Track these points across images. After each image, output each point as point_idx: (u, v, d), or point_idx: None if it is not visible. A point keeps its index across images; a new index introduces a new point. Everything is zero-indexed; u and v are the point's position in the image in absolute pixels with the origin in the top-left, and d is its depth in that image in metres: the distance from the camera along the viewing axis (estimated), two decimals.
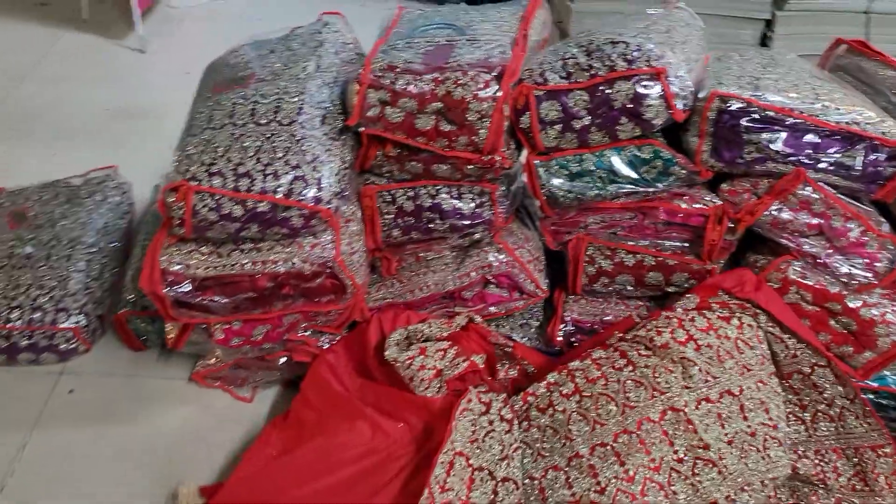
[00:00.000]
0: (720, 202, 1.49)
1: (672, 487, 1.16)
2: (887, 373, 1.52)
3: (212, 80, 1.66)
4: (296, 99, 1.49)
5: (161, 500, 1.47)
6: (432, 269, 1.63)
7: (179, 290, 1.40)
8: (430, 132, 1.45)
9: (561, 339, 1.60)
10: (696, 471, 1.18)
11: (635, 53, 1.42)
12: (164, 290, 1.39)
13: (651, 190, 1.49)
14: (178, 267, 1.40)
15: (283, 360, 1.64)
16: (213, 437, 1.61)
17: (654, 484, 1.15)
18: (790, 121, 1.38)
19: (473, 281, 1.58)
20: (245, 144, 1.40)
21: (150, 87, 2.92)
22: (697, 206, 1.49)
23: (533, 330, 1.67)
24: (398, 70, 1.45)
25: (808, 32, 2.54)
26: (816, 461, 1.36)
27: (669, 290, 1.56)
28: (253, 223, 1.38)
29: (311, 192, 1.37)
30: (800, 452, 1.37)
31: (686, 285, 1.54)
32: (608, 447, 1.20)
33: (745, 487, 1.17)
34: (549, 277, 1.73)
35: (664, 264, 1.53)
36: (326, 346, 1.60)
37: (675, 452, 1.19)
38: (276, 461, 1.36)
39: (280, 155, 1.39)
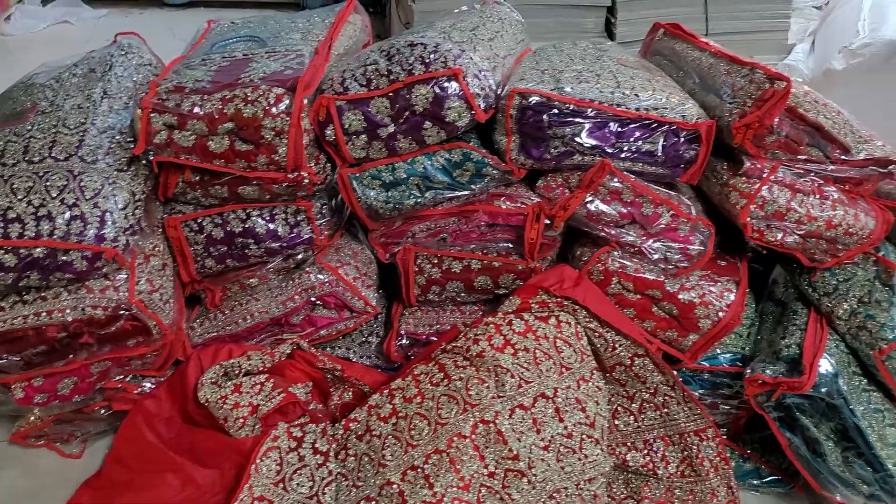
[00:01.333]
0: (537, 199, 1.46)
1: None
2: (719, 352, 1.52)
3: None
4: (75, 130, 1.37)
5: None
6: (255, 297, 1.54)
7: None
8: (226, 154, 1.37)
9: (398, 353, 1.54)
10: (506, 483, 1.14)
11: (432, 55, 1.37)
12: None
13: (468, 193, 1.45)
14: None
15: (103, 410, 1.52)
16: (46, 498, 1.47)
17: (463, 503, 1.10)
18: (590, 112, 1.36)
19: (299, 305, 1.50)
20: (14, 186, 1.28)
21: None
22: (516, 205, 1.46)
23: (373, 347, 1.61)
24: (186, 91, 1.36)
25: (649, 16, 2.57)
26: (645, 452, 1.35)
27: (500, 292, 1.52)
28: (31, 271, 1.26)
29: (92, 231, 1.26)
30: (629, 444, 1.36)
31: (514, 286, 1.50)
32: (418, 470, 1.15)
33: (555, 495, 1.13)
34: (388, 291, 1.67)
35: (490, 267, 1.50)
36: (150, 388, 1.50)
37: (486, 467, 1.14)
38: None
39: (54, 194, 1.27)
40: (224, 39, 1.61)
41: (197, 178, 1.42)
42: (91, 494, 1.34)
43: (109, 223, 1.29)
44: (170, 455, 1.30)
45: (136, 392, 1.49)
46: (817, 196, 1.40)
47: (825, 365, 1.36)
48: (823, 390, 1.34)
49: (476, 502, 1.11)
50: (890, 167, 1.43)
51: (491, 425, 1.18)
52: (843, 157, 1.40)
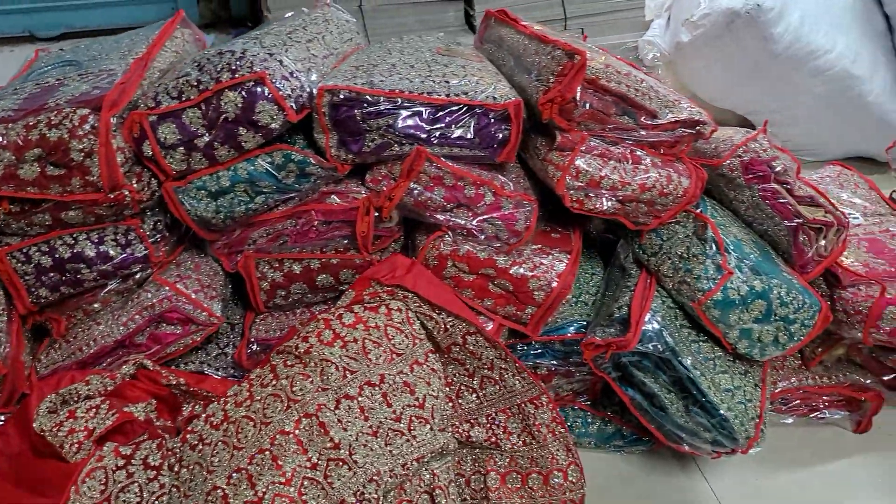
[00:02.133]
0: (367, 193, 1.48)
1: (303, 497, 1.12)
2: (567, 322, 1.57)
3: None
4: None
5: None
6: (97, 322, 1.52)
7: None
8: (38, 181, 1.35)
9: (250, 360, 1.54)
10: (327, 473, 1.15)
11: (239, 62, 1.38)
12: None
13: (297, 194, 1.46)
14: None
15: None
16: None
17: (284, 499, 1.11)
18: (401, 102, 1.39)
19: (140, 325, 1.49)
20: None
21: None
22: (347, 200, 1.48)
23: (229, 359, 1.60)
24: None
25: (507, 5, 2.61)
26: (488, 426, 1.39)
27: (343, 288, 1.54)
28: None
29: None
30: (472, 421, 1.39)
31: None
32: (242, 472, 1.15)
33: (375, 478, 1.15)
34: (245, 302, 1.67)
35: (329, 264, 1.51)
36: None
37: (309, 459, 1.16)
38: None
39: None
40: (43, 67, 1.59)
41: (17, 207, 1.40)
42: None
43: None
44: (11, 489, 1.27)
45: None
46: (630, 162, 1.46)
47: (651, 321, 1.42)
48: (651, 346, 1.39)
49: (298, 495, 1.12)
50: (698, 127, 1.49)
51: (314, 418, 1.19)
52: (651, 122, 1.46)
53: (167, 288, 1.49)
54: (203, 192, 1.44)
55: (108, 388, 1.40)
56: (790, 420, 1.74)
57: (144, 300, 1.49)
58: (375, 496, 1.13)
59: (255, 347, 1.55)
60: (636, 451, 1.68)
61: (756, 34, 2.38)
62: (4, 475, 1.33)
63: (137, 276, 1.52)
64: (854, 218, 1.80)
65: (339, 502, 1.12)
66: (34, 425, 1.31)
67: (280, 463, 1.14)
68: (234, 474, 1.15)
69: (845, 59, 2.43)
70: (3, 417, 1.47)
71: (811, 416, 1.75)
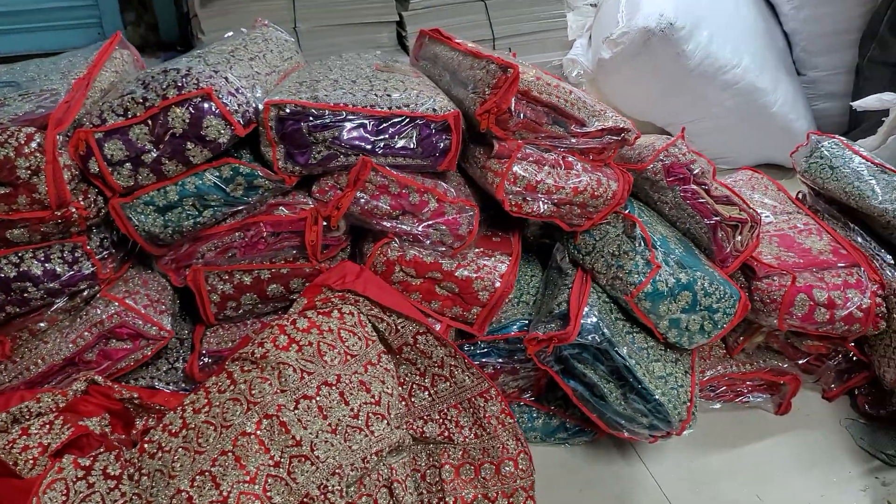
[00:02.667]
0: (314, 204, 1.53)
1: (268, 494, 1.16)
2: (510, 321, 1.65)
3: None
4: None
5: None
6: (45, 340, 1.51)
7: None
8: None
9: (202, 373, 1.56)
10: (290, 469, 1.19)
11: (185, 78, 1.41)
12: None
13: (245, 206, 1.50)
14: None
15: None
16: None
17: (249, 496, 1.14)
18: (345, 115, 1.46)
19: (89, 341, 1.49)
20: None
21: None
22: (294, 211, 1.53)
23: (180, 373, 1.61)
24: None
25: (437, 25, 2.72)
26: (441, 421, 1.45)
27: (293, 297, 1.58)
28: None
29: None
30: (425, 417, 1.45)
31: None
32: (206, 474, 1.18)
33: (337, 471, 1.20)
34: (194, 317, 1.68)
35: (279, 274, 1.55)
36: None
37: (272, 458, 1.19)
38: None
39: None
40: None
41: None
42: None
43: None
44: None
45: None
46: (563, 167, 1.56)
47: (588, 315, 1.52)
48: (590, 337, 1.49)
49: (262, 492, 1.15)
50: (623, 134, 1.61)
51: (274, 418, 1.23)
52: (580, 130, 1.57)
53: (116, 304, 1.50)
54: (150, 207, 1.46)
55: (60, 405, 1.39)
56: (718, 405, 1.87)
57: (93, 316, 1.49)
58: (339, 488, 1.17)
59: (206, 360, 1.57)
60: (579, 443, 1.77)
61: (670, 51, 2.55)
62: None
63: (85, 294, 1.52)
64: (766, 216, 1.96)
65: (304, 496, 1.16)
66: None
67: (243, 463, 1.17)
68: (197, 477, 1.18)
69: (751, 73, 2.63)
70: None
71: (737, 400, 1.88)
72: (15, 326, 1.53)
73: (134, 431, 1.44)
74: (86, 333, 1.49)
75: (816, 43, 2.81)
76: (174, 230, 1.49)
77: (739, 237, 1.71)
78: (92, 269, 1.49)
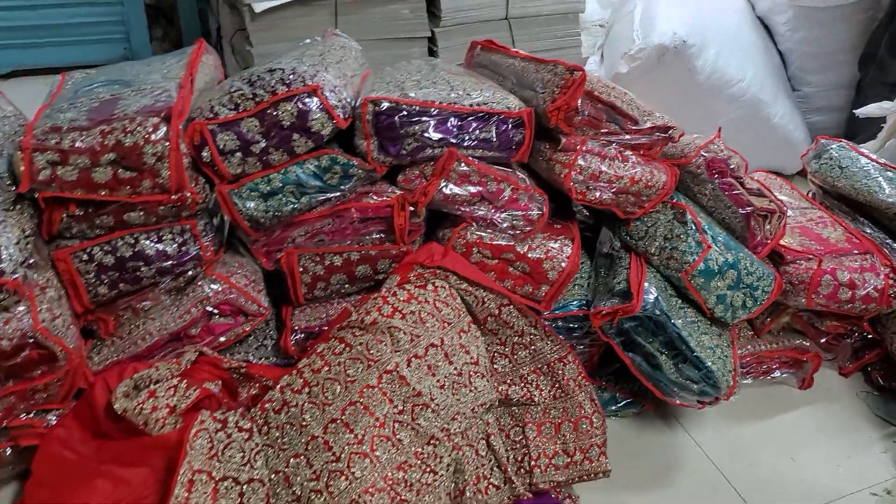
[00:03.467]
0: (400, 191, 1.69)
1: (397, 436, 1.30)
2: (568, 301, 1.81)
3: None
4: None
5: None
6: (151, 317, 1.63)
7: None
8: (111, 183, 1.48)
9: (294, 347, 1.69)
10: (414, 416, 1.34)
11: (291, 76, 1.57)
12: None
13: (339, 194, 1.65)
14: None
15: (9, 450, 1.53)
16: None
17: (381, 438, 1.29)
18: (433, 111, 1.62)
19: (196, 317, 1.62)
20: None
21: None
22: (382, 198, 1.68)
23: (269, 348, 1.75)
24: (63, 130, 1.46)
25: (464, 42, 2.91)
26: (522, 385, 1.60)
27: (379, 277, 1.72)
28: None
29: None
30: (508, 382, 1.60)
31: (390, 270, 1.71)
32: (338, 422, 1.32)
33: (456, 416, 1.35)
34: (275, 298, 1.81)
35: (368, 256, 1.70)
36: (55, 422, 1.53)
37: (395, 407, 1.34)
38: None
39: None
40: (87, 85, 1.70)
41: (82, 210, 1.51)
42: None
43: (6, 258, 1.35)
44: (95, 465, 1.36)
45: (43, 426, 1.52)
46: (620, 160, 1.74)
47: (648, 291, 1.69)
48: (649, 308, 1.66)
49: (392, 434, 1.29)
50: (669, 132, 1.81)
51: (394, 373, 1.37)
52: (633, 127, 1.76)
53: (222, 282, 1.63)
54: (255, 193, 1.61)
55: (176, 374, 1.51)
56: (749, 381, 2.05)
57: (200, 294, 1.62)
58: (460, 430, 1.32)
59: (298, 336, 1.70)
60: (628, 414, 1.93)
61: (682, 66, 2.77)
62: (82, 456, 1.42)
63: (189, 274, 1.65)
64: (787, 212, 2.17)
65: (430, 437, 1.31)
66: (115, 406, 1.42)
67: (372, 410, 1.31)
68: (329, 425, 1.31)
69: (754, 87, 2.87)
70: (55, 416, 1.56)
71: (765, 377, 2.06)
72: (118, 306, 1.65)
73: (241, 399, 1.57)
74: (192, 309, 1.62)
75: (810, 62, 3.06)
76: (273, 215, 1.63)
77: (769, 226, 1.90)
78: (198, 250, 1.62)
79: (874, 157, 2.16)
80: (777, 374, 2.06)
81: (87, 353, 1.62)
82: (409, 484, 1.27)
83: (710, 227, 1.78)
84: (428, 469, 1.30)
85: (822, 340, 2.05)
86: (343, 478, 1.24)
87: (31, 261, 1.41)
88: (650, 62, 2.78)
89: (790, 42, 3.06)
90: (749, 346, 2.02)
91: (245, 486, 1.27)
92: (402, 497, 1.25)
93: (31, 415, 1.52)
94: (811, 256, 1.90)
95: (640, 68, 2.80)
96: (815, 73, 3.07)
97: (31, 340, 1.39)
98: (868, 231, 2.09)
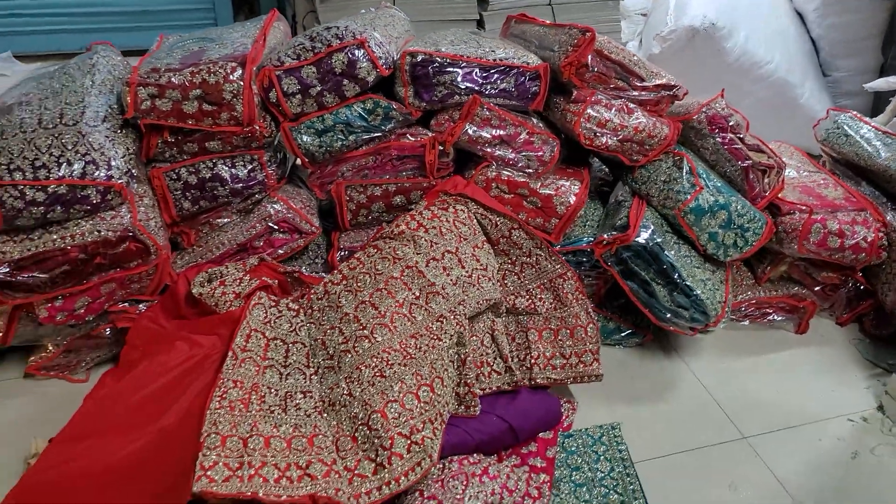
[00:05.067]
0: (432, 133, 1.99)
1: (413, 315, 1.60)
2: (582, 237, 2.07)
3: None
4: (76, 106, 1.80)
5: (2, 492, 1.50)
6: (225, 231, 1.98)
7: None
8: (196, 114, 1.83)
9: (340, 262, 2.00)
10: (427, 300, 1.63)
11: (343, 31, 1.89)
12: None
13: (380, 134, 1.96)
14: None
15: (108, 331, 1.90)
16: (54, 418, 1.76)
17: (399, 315, 1.58)
18: (462, 63, 1.92)
19: (260, 231, 1.95)
20: (37, 144, 1.69)
21: None
22: (417, 139, 1.98)
23: (320, 266, 2.07)
24: (161, 70, 1.82)
25: None
26: (527, 298, 1.87)
27: (411, 207, 2.02)
28: (56, 205, 1.67)
29: (103, 172, 1.69)
30: (515, 294, 1.87)
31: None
32: (366, 302, 1.62)
33: (462, 303, 1.63)
34: (325, 229, 2.14)
35: (403, 187, 2.00)
36: (145, 310, 1.89)
37: (413, 293, 1.63)
38: (110, 390, 1.63)
39: (70, 147, 1.70)
40: (181, 42, 2.07)
41: (173, 138, 1.87)
42: (112, 375, 1.72)
43: (115, 166, 1.72)
44: (176, 332, 1.70)
45: (135, 313, 1.88)
46: (626, 111, 1.99)
47: (645, 225, 1.93)
48: (644, 239, 1.90)
49: (409, 313, 1.59)
50: (674, 90, 2.04)
51: (413, 269, 1.68)
52: (640, 84, 2.01)
53: (282, 203, 1.96)
54: (311, 130, 1.93)
55: (242, 271, 1.85)
56: (746, 323, 2.25)
57: (264, 212, 1.96)
58: (464, 313, 1.61)
59: (343, 253, 2.02)
60: (631, 344, 2.16)
61: (712, 48, 2.98)
62: (166, 328, 1.77)
63: (255, 197, 1.99)
64: (791, 173, 2.36)
65: (438, 316, 1.60)
66: (193, 291, 1.76)
67: (394, 294, 1.61)
68: (359, 305, 1.62)
69: (781, 69, 3.05)
70: (145, 306, 1.91)
71: (763, 320, 2.26)
72: (199, 221, 2.00)
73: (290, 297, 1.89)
74: (257, 225, 1.96)
75: (839, 47, 3.21)
76: (326, 150, 1.95)
77: (767, 180, 2.11)
78: (263, 177, 1.96)
79: (878, 125, 2.33)
80: (774, 317, 2.25)
81: (172, 259, 1.98)
82: (419, 347, 1.56)
83: (706, 173, 2.01)
84: (434, 337, 1.59)
85: (818, 289, 2.24)
86: (367, 341, 1.55)
87: (133, 172, 1.77)
88: (681, 43, 3.00)
89: (820, 28, 3.22)
90: (749, 293, 2.22)
91: (290, 346, 1.59)
92: (412, 355, 1.54)
93: (127, 303, 1.88)
94: (804, 208, 2.09)
95: (671, 49, 3.03)
96: (844, 58, 3.21)
97: (131, 234, 1.75)
98: (867, 192, 2.26)
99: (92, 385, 1.87)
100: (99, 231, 1.70)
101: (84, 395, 1.79)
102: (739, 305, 2.22)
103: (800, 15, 3.35)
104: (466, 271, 1.73)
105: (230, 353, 1.48)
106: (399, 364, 1.50)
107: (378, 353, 1.52)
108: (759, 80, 3.05)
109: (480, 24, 3.27)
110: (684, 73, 3.09)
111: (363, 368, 1.50)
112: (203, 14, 3.97)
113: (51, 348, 1.91)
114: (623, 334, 2.15)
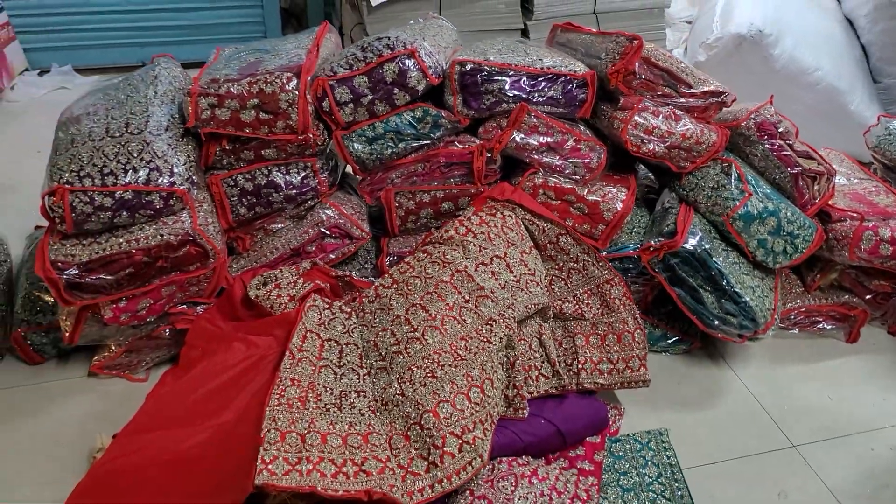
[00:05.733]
0: (480, 141, 2.02)
1: (462, 317, 1.63)
2: (629, 244, 2.08)
3: (67, 120, 2.02)
4: (141, 116, 1.88)
5: (70, 485, 1.54)
6: (277, 236, 2.04)
7: (69, 272, 1.73)
8: (253, 123, 1.89)
9: (389, 267, 2.04)
10: (477, 304, 1.66)
11: (395, 42, 1.94)
12: (56, 274, 1.71)
13: (429, 141, 2.00)
14: (65, 256, 1.73)
15: (167, 332, 1.97)
16: (116, 415, 1.83)
17: (450, 318, 1.61)
18: (510, 72, 1.95)
19: (312, 236, 2.01)
20: (105, 152, 1.78)
21: (3, 167, 3.16)
22: (465, 146, 2.02)
23: (369, 270, 2.12)
24: (220, 81, 1.90)
25: None
26: (574, 303, 1.89)
27: (459, 213, 2.06)
28: (122, 210, 1.74)
29: (166, 179, 1.77)
30: (563, 299, 1.89)
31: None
32: (417, 306, 1.66)
33: (511, 306, 1.66)
34: (375, 235, 2.19)
35: (451, 194, 2.04)
36: (202, 312, 1.96)
37: (462, 297, 1.66)
38: (171, 388, 1.70)
39: (136, 155, 1.78)
40: (237, 53, 2.15)
41: (231, 146, 1.94)
42: (172, 374, 1.79)
43: (177, 173, 1.79)
44: (233, 332, 1.77)
45: (193, 315, 1.95)
46: (673, 118, 2.00)
47: (692, 231, 1.93)
48: (692, 246, 1.90)
49: (459, 315, 1.62)
50: (722, 97, 2.04)
51: (463, 273, 1.71)
52: (688, 91, 2.01)
53: (334, 209, 2.02)
54: (362, 138, 1.98)
55: (295, 274, 1.91)
56: (796, 331, 2.23)
57: (316, 218, 2.02)
58: (514, 316, 1.63)
59: (393, 258, 2.06)
60: (678, 351, 2.16)
61: (759, 55, 2.97)
62: (223, 330, 1.83)
63: (308, 203, 2.05)
64: (841, 181, 2.33)
65: (487, 320, 1.63)
66: (249, 293, 1.83)
67: (444, 298, 1.65)
68: (410, 308, 1.66)
69: (831, 76, 3.01)
70: (203, 308, 1.98)
71: (812, 329, 2.24)
72: (254, 226, 2.07)
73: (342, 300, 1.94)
74: (310, 230, 2.02)
75: (889, 52, 3.16)
76: (376, 157, 2.00)
77: (817, 187, 2.09)
78: (316, 183, 2.02)
79: None
80: (824, 325, 2.23)
81: (228, 263, 2.05)
82: (469, 349, 1.59)
83: (755, 179, 2.01)
84: (484, 339, 1.62)
85: (869, 298, 2.20)
86: (418, 343, 1.59)
87: (193, 179, 1.84)
88: (727, 50, 2.99)
89: (871, 34, 3.18)
90: (799, 301, 2.20)
91: (344, 346, 1.64)
92: (462, 357, 1.57)
93: (186, 306, 1.96)
94: (856, 214, 2.07)
95: (717, 56, 3.02)
96: (895, 64, 3.16)
97: (191, 238, 1.81)
98: None
99: (152, 384, 1.94)
100: (162, 235, 1.78)
101: (145, 393, 1.86)
102: (789, 313, 2.20)
103: (849, 21, 3.31)
104: (515, 276, 1.75)
105: (287, 353, 1.53)
106: (450, 365, 1.54)
107: (429, 355, 1.56)
108: (807, 86, 3.02)
109: (525, 33, 3.31)
110: (731, 80, 3.07)
111: (415, 369, 1.54)
112: (253, 27, 4.09)
113: (113, 348, 1.99)
114: (670, 341, 2.15)
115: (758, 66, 3.00)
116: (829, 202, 2.13)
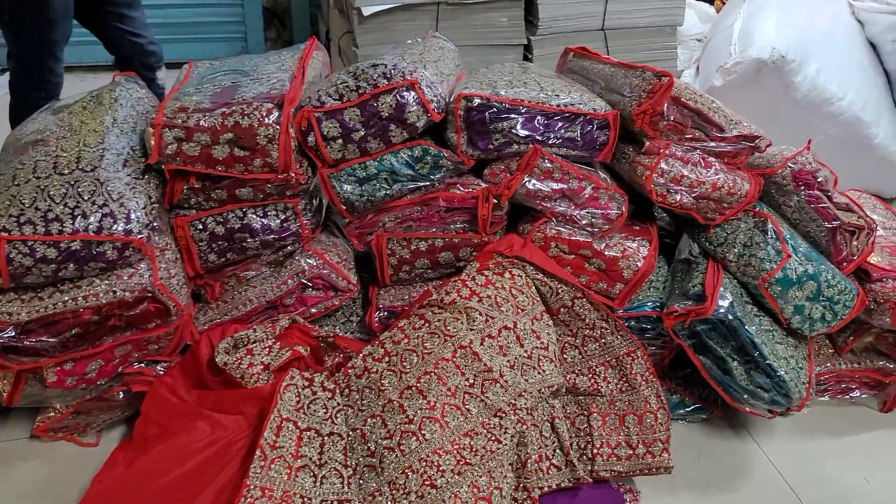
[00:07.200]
0: (485, 184, 1.79)
1: (466, 406, 1.39)
2: (647, 301, 1.86)
3: (11, 147, 1.75)
4: (95, 148, 1.63)
5: None
6: (252, 285, 1.79)
7: (4, 335, 1.47)
8: (227, 160, 1.64)
9: (378, 324, 1.80)
10: (483, 389, 1.43)
11: (392, 71, 1.70)
12: None
13: (428, 183, 1.76)
14: (0, 315, 1.47)
15: (121, 394, 1.72)
16: (62, 486, 1.63)
17: (451, 407, 1.38)
18: (522, 109, 1.71)
19: (291, 287, 1.77)
20: (51, 193, 1.52)
21: None
22: (468, 190, 1.78)
23: (355, 324, 1.88)
24: (189, 110, 1.64)
25: (559, 51, 2.98)
26: (590, 376, 1.66)
27: (460, 265, 1.82)
28: (69, 262, 1.49)
29: (121, 226, 1.51)
30: (577, 371, 1.66)
31: (471, 258, 1.81)
32: (413, 388, 1.42)
33: (523, 394, 1.42)
34: (363, 280, 1.95)
35: (451, 243, 1.80)
36: (163, 372, 1.71)
37: (467, 380, 1.43)
38: (123, 473, 1.45)
39: (87, 197, 1.52)
40: (211, 73, 1.89)
41: (200, 183, 1.69)
42: (125, 452, 1.54)
43: (134, 219, 1.54)
44: (196, 408, 1.52)
45: (152, 375, 1.71)
46: (703, 165, 1.78)
47: (723, 295, 1.72)
48: (722, 313, 1.69)
49: (462, 404, 1.39)
50: (756, 141, 1.82)
51: (467, 349, 1.47)
52: (719, 135, 1.79)
53: (317, 257, 1.77)
54: (352, 178, 1.74)
55: (271, 336, 1.66)
56: (826, 398, 2.03)
57: (296, 267, 1.77)
58: (526, 406, 1.40)
59: (383, 314, 1.82)
60: (697, 419, 1.94)
61: (780, 81, 2.75)
62: (185, 401, 1.59)
63: (288, 249, 1.80)
64: (878, 231, 2.12)
65: (497, 410, 1.39)
66: (216, 359, 1.58)
67: (445, 381, 1.41)
68: (405, 391, 1.42)
69: (855, 106, 2.81)
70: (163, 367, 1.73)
71: (843, 396, 2.03)
72: (226, 273, 1.82)
73: (325, 366, 1.70)
74: (289, 281, 1.77)
75: None
76: (367, 199, 1.76)
77: (856, 242, 1.88)
78: (297, 227, 1.77)
79: None
80: (857, 394, 2.03)
81: (194, 314, 1.80)
82: (474, 449, 1.36)
83: (791, 237, 1.79)
84: (493, 438, 1.39)
85: None
86: (414, 438, 1.35)
87: (154, 224, 1.59)
88: (746, 76, 2.77)
89: None
90: (829, 364, 2.00)
91: (326, 438, 1.40)
92: (468, 460, 1.34)
93: (143, 364, 1.71)
94: None
95: (735, 82, 2.80)
96: None
97: (150, 295, 1.57)
98: None
99: (102, 451, 1.71)
100: (115, 291, 1.53)
101: (95, 460, 1.64)
102: (818, 378, 2.00)
103: (872, 45, 3.10)
104: (525, 351, 1.52)
105: (258, 452, 1.30)
106: (452, 471, 1.30)
107: (427, 456, 1.32)
108: (830, 116, 2.81)
109: (528, 48, 3.07)
110: (748, 107, 2.86)
111: (410, 474, 1.31)
112: (233, 27, 3.82)
113: (59, 408, 1.74)
114: (688, 409, 1.93)
115: (777, 94, 2.79)
116: (868, 259, 1.92)
